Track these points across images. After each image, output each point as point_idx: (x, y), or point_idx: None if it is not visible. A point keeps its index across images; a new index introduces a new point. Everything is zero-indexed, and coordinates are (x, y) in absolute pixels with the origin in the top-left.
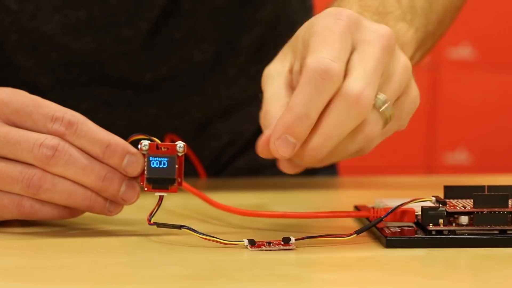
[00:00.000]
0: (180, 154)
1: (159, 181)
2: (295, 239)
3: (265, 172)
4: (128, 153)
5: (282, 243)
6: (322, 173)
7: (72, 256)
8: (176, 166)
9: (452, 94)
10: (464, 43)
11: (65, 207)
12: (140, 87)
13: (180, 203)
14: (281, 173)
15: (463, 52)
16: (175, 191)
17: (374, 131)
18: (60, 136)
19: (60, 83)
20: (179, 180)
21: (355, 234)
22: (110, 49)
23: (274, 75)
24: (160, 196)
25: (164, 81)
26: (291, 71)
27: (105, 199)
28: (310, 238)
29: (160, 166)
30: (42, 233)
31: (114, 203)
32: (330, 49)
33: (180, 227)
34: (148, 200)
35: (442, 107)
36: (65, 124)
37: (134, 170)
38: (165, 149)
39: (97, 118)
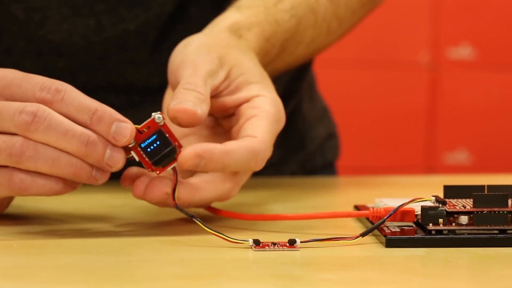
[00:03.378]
0: (162, 124)
1: (164, 158)
2: (301, 241)
3: (264, 172)
4: (117, 120)
5: (288, 244)
6: (321, 173)
7: (72, 256)
8: (167, 135)
9: (452, 94)
10: (464, 43)
11: (57, 181)
12: (146, 92)
13: None
14: (280, 173)
15: (463, 52)
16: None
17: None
18: (48, 103)
19: None
20: (177, 143)
21: (361, 237)
22: (117, 57)
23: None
24: (173, 168)
25: None
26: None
27: (91, 166)
28: (316, 241)
29: (155, 145)
30: (42, 233)
31: (101, 170)
32: (269, 138)
33: (192, 217)
34: None
35: (442, 107)
36: (52, 91)
37: (123, 137)
38: (148, 128)
39: None
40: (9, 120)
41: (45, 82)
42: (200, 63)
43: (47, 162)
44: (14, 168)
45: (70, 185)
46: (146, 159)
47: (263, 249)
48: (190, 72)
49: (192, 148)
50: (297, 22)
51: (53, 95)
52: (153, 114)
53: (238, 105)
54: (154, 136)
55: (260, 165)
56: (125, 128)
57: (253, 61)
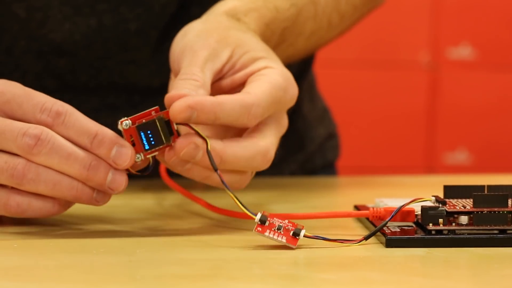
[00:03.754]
0: (131, 123)
1: (166, 131)
2: (304, 235)
3: (265, 172)
4: (117, 144)
5: (291, 234)
6: (321, 173)
7: (72, 256)
8: (144, 120)
9: (452, 94)
10: (464, 43)
11: (54, 203)
12: (147, 92)
13: (179, 203)
14: (281, 173)
15: (463, 52)
16: (167, 115)
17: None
18: (48, 126)
19: (66, 87)
20: (154, 112)
21: (365, 240)
22: (118, 57)
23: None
24: (185, 125)
25: None
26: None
27: (92, 188)
28: (319, 239)
29: (151, 135)
30: (42, 233)
31: (102, 192)
32: (265, 98)
33: (216, 170)
34: (147, 200)
35: (442, 107)
36: (53, 114)
37: (123, 161)
38: (131, 137)
39: (100, 116)
40: (12, 141)
41: (46, 103)
42: (198, 49)
43: (48, 185)
44: (12, 189)
45: (65, 205)
46: (161, 146)
47: (262, 233)
48: (188, 61)
49: (183, 100)
50: (297, 12)
51: (53, 118)
52: (119, 127)
53: (246, 80)
54: (142, 133)
55: (252, 121)
56: (125, 153)
57: (255, 38)
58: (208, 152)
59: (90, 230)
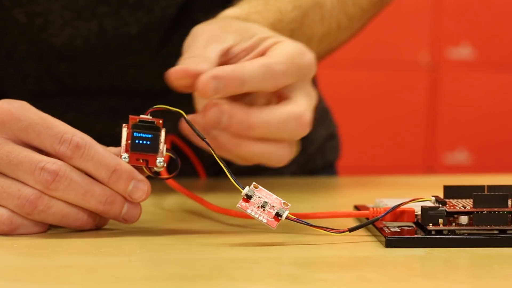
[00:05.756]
0: (128, 155)
1: (146, 126)
2: (287, 217)
3: (265, 172)
4: (134, 179)
5: (274, 214)
6: (322, 173)
7: (72, 256)
8: (129, 141)
9: (452, 94)
10: (464, 43)
11: (43, 225)
12: (148, 96)
13: (179, 203)
14: (281, 174)
15: (463, 52)
16: (133, 119)
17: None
18: (67, 158)
19: (67, 90)
20: (126, 130)
21: (348, 232)
22: (119, 61)
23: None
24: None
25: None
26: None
27: (95, 218)
28: (302, 224)
29: (145, 141)
30: (42, 233)
31: (103, 220)
32: (283, 59)
33: (203, 139)
34: (147, 200)
35: (442, 107)
36: (72, 147)
37: (139, 197)
38: (140, 159)
39: (101, 119)
40: (29, 173)
41: (65, 134)
42: (199, 35)
43: (57, 217)
44: (5, 206)
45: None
46: (158, 135)
47: (244, 209)
48: (189, 46)
49: (205, 74)
50: (302, 14)
51: (72, 151)
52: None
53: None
54: (139, 149)
55: (278, 80)
56: (141, 188)
57: (257, 25)
58: (186, 120)
59: (90, 230)
